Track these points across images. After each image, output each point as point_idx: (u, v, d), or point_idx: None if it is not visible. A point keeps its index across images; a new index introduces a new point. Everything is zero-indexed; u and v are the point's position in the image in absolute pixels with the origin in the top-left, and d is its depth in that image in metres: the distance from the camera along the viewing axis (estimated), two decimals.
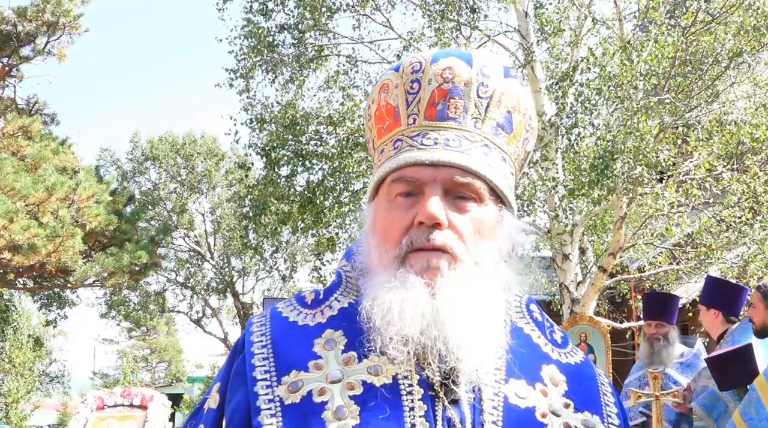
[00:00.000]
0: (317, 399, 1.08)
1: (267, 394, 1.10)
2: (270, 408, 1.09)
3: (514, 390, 1.15)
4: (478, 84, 1.20)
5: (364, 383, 1.09)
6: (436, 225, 1.13)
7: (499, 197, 1.21)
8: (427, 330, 1.09)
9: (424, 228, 1.13)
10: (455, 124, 1.19)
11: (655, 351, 5.05)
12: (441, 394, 1.10)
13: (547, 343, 1.26)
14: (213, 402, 1.18)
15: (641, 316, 11.40)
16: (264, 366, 1.14)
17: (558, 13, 9.87)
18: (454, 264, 1.13)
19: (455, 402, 1.11)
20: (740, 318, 4.51)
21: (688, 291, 10.98)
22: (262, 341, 1.18)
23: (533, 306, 1.30)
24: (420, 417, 1.07)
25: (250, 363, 1.14)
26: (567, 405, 1.18)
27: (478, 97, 1.20)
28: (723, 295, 4.51)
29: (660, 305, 5.11)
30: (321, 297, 1.23)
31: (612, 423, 1.21)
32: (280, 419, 1.08)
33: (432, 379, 1.11)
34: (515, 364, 1.17)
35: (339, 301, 1.21)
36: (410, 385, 1.10)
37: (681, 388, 4.63)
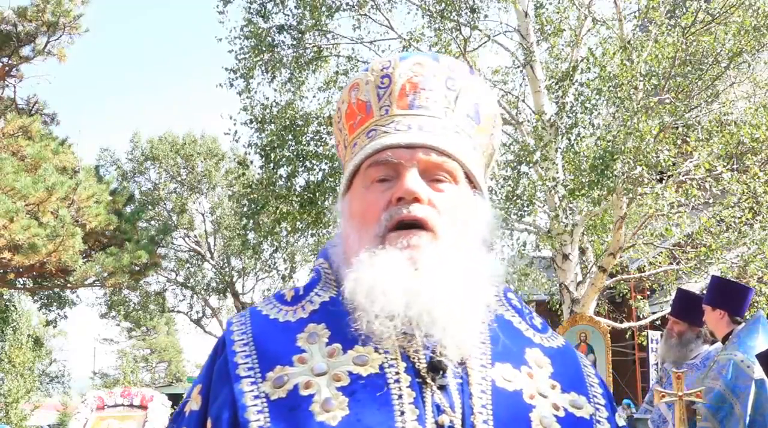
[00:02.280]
0: (304, 393, 1.08)
1: (252, 391, 1.10)
2: (256, 404, 1.08)
3: (501, 374, 1.16)
4: (446, 77, 1.26)
5: (350, 374, 1.09)
6: (415, 200, 1.15)
7: (471, 183, 1.24)
8: (412, 303, 1.10)
9: (403, 204, 1.16)
10: (427, 112, 1.23)
11: (666, 347, 5.04)
12: (429, 380, 1.11)
13: (528, 328, 1.27)
14: (195, 404, 1.17)
15: (641, 316, 11.43)
16: (247, 363, 1.13)
17: (558, 13, 9.88)
18: (434, 240, 1.15)
19: (443, 388, 1.11)
20: (745, 318, 4.50)
21: None
22: (243, 339, 1.17)
23: (511, 295, 1.31)
24: (409, 404, 1.07)
25: (232, 362, 1.14)
26: (553, 387, 1.18)
27: (447, 89, 1.26)
28: (728, 296, 4.49)
29: (680, 302, 5.09)
30: (301, 293, 1.24)
31: (598, 403, 1.22)
32: (267, 414, 1.07)
33: (419, 365, 1.12)
34: (499, 348, 1.18)
35: (320, 296, 1.22)
36: (397, 373, 1.10)
37: (703, 388, 4.60)
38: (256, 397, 1.09)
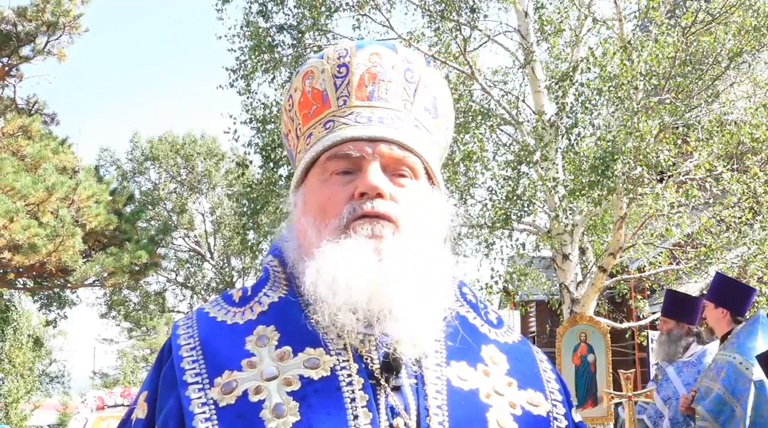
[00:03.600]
0: (253, 399, 1.05)
1: (200, 397, 1.06)
2: (204, 412, 1.05)
3: (456, 373, 1.13)
4: (405, 69, 1.23)
5: (301, 377, 1.06)
6: (378, 196, 1.13)
7: (430, 177, 1.22)
8: (375, 295, 1.08)
9: (366, 199, 1.13)
10: (386, 104, 1.20)
11: (657, 346, 5.11)
12: (383, 382, 1.08)
13: (484, 324, 1.24)
14: (141, 412, 1.14)
15: (641, 316, 11.42)
16: (194, 368, 1.10)
17: (558, 12, 9.87)
18: (397, 232, 1.12)
19: (398, 389, 1.09)
20: (745, 318, 4.51)
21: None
22: (189, 343, 1.13)
23: (466, 289, 1.28)
24: (362, 407, 1.05)
25: (179, 367, 1.10)
26: (510, 384, 1.16)
27: (406, 80, 1.23)
28: (732, 295, 4.50)
29: (667, 302, 5.18)
30: (249, 293, 1.20)
31: (555, 399, 1.20)
32: (216, 422, 1.04)
33: (372, 367, 1.09)
34: (455, 347, 1.16)
35: (268, 296, 1.18)
36: (350, 375, 1.07)
37: (653, 388, 4.68)
38: (204, 404, 1.06)
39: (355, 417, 1.04)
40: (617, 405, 6.14)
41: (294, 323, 1.12)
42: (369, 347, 1.10)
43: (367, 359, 1.10)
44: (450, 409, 1.08)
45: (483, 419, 1.10)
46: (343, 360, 1.08)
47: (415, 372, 1.11)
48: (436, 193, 1.22)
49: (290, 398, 1.05)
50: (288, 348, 1.10)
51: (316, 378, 1.06)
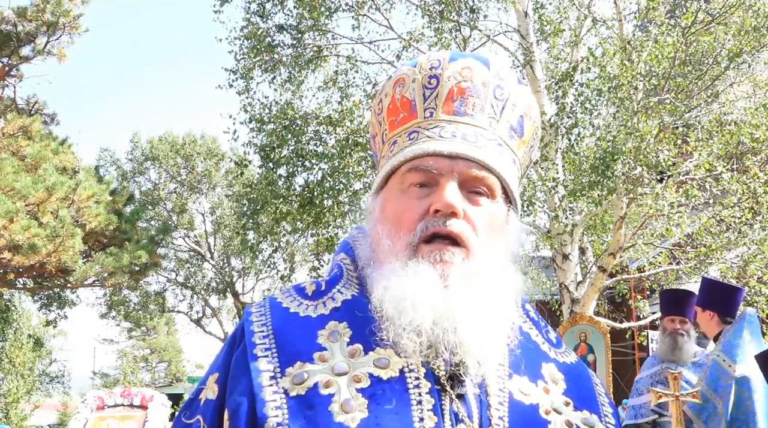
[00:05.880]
0: (323, 392, 1.07)
1: (271, 385, 1.09)
2: (275, 400, 1.08)
3: (518, 387, 1.16)
4: (495, 86, 1.24)
5: (371, 376, 1.09)
6: (453, 214, 1.15)
7: (507, 197, 1.23)
8: (440, 321, 1.10)
9: (440, 216, 1.15)
10: (472, 120, 1.22)
11: (678, 347, 5.06)
12: (448, 388, 1.10)
13: (545, 342, 1.28)
14: (211, 393, 1.16)
15: (641, 316, 11.42)
16: (267, 356, 1.12)
17: (558, 13, 9.88)
18: (467, 257, 1.15)
19: (461, 396, 1.11)
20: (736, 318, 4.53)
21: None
22: (263, 331, 1.16)
23: (528, 306, 1.31)
24: (428, 410, 1.07)
25: (252, 354, 1.13)
26: (567, 404, 1.19)
27: (495, 98, 1.24)
28: (718, 297, 4.54)
29: (683, 301, 5.15)
30: (323, 288, 1.22)
31: (609, 423, 1.23)
32: (286, 411, 1.06)
33: (438, 373, 1.11)
34: (518, 361, 1.18)
35: (342, 293, 1.21)
36: (417, 378, 1.10)
37: (699, 389, 4.64)
38: (275, 392, 1.08)
39: (421, 419, 1.07)
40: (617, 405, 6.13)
41: (365, 322, 1.14)
42: (441, 349, 1.12)
43: (433, 365, 1.12)
44: (511, 421, 1.11)
45: None
46: (411, 363, 1.11)
47: (479, 382, 1.14)
48: (512, 213, 1.24)
49: (359, 395, 1.07)
50: (359, 346, 1.12)
51: (385, 377, 1.09)
